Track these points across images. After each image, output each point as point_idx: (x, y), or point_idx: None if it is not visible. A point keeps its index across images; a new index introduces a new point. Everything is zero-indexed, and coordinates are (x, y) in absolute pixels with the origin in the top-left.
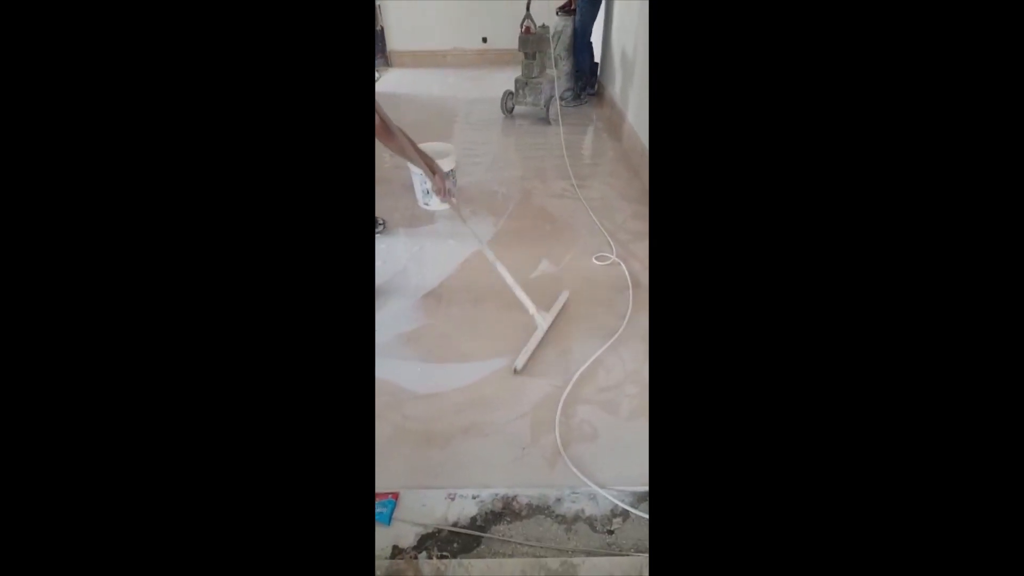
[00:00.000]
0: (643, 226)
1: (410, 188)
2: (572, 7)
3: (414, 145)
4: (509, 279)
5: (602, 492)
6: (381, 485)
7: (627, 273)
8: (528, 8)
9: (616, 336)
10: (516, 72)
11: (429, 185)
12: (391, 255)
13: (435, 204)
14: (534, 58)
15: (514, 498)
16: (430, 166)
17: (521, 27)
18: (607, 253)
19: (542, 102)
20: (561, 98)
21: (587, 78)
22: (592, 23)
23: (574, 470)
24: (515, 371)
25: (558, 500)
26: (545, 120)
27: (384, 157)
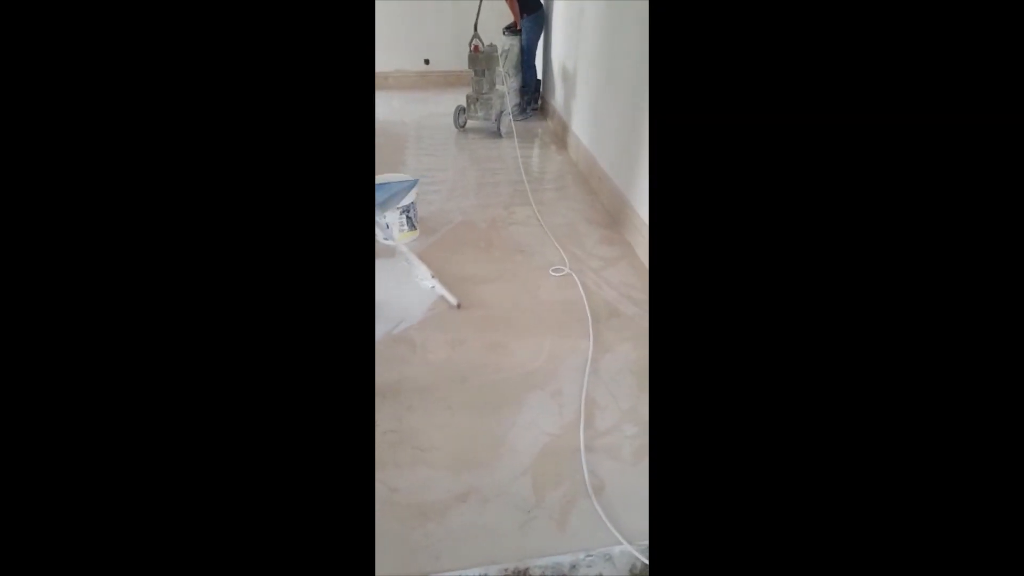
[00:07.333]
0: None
1: None
2: (518, 28)
3: None
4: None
5: (630, 548)
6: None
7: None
8: (476, 28)
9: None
10: (460, 93)
11: (388, 220)
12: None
13: (395, 239)
14: (483, 75)
15: (526, 571)
16: None
17: (470, 46)
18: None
19: (493, 116)
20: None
21: (532, 93)
22: (536, 42)
23: (608, 524)
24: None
25: (573, 567)
26: (496, 134)
27: None
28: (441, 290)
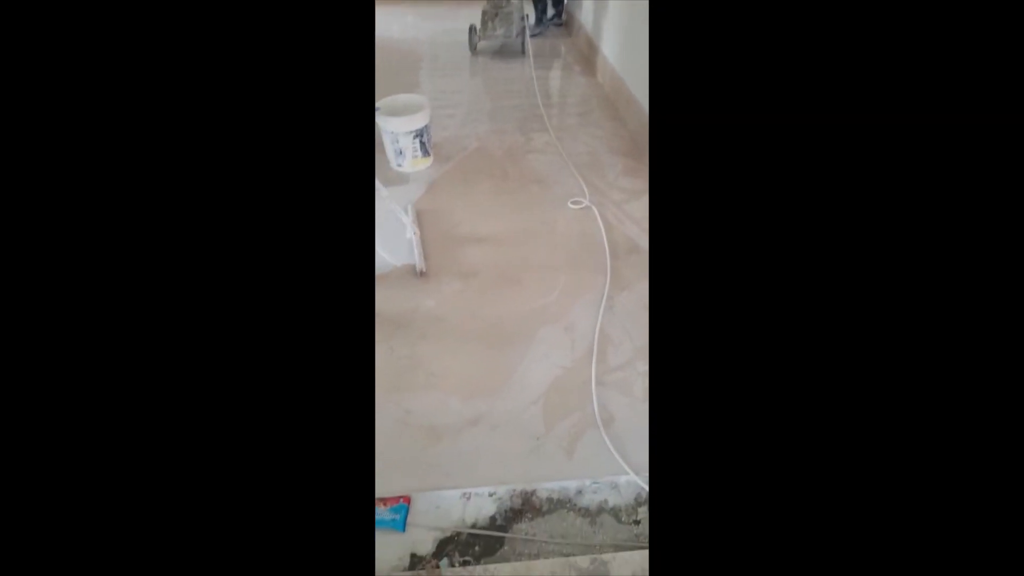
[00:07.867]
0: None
1: (381, 149)
2: None
3: None
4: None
5: (636, 478)
6: (390, 488)
7: (600, 223)
8: None
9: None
10: (479, 8)
11: (401, 145)
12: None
13: (408, 165)
14: None
15: (533, 493)
16: None
17: None
18: (580, 198)
19: (514, 33)
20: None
21: (546, 3)
22: None
23: (615, 454)
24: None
25: (579, 492)
26: (519, 52)
27: None
28: (415, 250)
